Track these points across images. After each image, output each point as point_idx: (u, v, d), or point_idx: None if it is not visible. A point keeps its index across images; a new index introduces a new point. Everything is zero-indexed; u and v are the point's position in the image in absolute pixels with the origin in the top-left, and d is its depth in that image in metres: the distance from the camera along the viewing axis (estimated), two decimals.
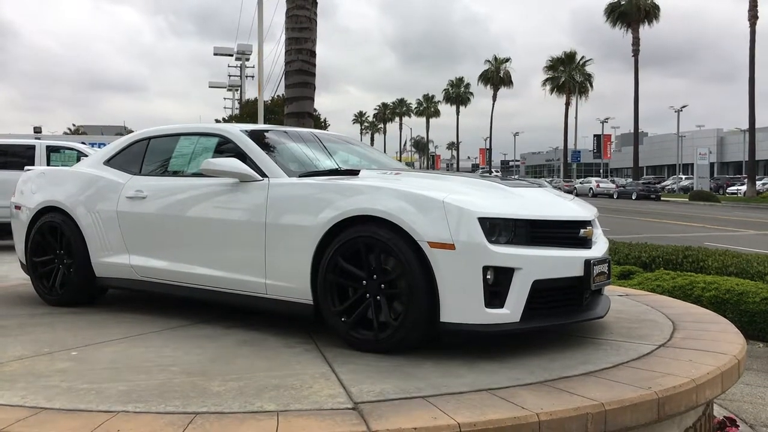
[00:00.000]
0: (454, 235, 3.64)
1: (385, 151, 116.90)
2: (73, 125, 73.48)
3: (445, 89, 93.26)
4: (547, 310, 3.92)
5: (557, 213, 4.03)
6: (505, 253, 3.67)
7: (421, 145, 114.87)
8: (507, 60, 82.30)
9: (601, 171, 79.29)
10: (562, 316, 3.98)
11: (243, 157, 4.55)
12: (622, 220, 27.64)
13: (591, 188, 55.39)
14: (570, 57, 72.30)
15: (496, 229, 3.74)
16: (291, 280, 4.15)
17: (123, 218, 4.96)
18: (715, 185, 59.00)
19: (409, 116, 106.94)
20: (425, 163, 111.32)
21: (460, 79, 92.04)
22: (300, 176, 4.40)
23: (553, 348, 3.98)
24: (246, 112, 28.33)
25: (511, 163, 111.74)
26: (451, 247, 3.64)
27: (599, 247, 4.29)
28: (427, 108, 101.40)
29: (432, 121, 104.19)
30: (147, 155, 5.15)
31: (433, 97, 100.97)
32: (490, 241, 3.68)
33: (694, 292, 8.12)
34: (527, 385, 3.28)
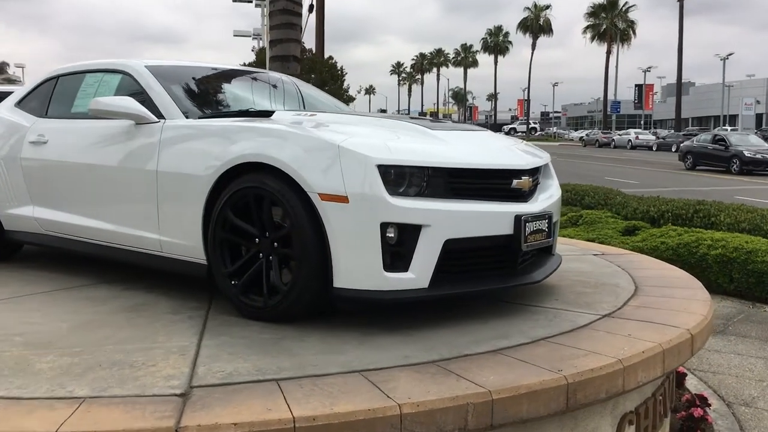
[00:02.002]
0: (347, 185, 3.09)
1: (422, 104, 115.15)
2: None
3: (483, 38, 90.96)
4: (465, 275, 3.37)
5: (483, 161, 3.43)
6: (408, 208, 3.10)
7: (459, 97, 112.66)
8: (547, 7, 79.72)
9: (643, 122, 76.90)
10: (483, 281, 3.41)
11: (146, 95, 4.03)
12: (653, 173, 26.61)
13: (630, 140, 53.73)
14: (612, 3, 69.70)
15: (404, 178, 3.17)
16: (183, 236, 3.65)
17: (25, 165, 4.50)
18: (762, 136, 56.63)
19: (447, 67, 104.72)
20: (463, 114, 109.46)
21: (499, 28, 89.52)
22: (201, 118, 3.86)
23: (476, 317, 3.42)
24: (261, 59, 27.64)
25: (551, 115, 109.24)
26: (344, 199, 3.09)
27: (541, 201, 3.69)
28: (465, 58, 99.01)
29: (470, 71, 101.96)
30: (54, 95, 4.66)
31: (471, 46, 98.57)
32: (394, 193, 3.11)
33: (700, 250, 7.46)
34: (414, 365, 2.74)
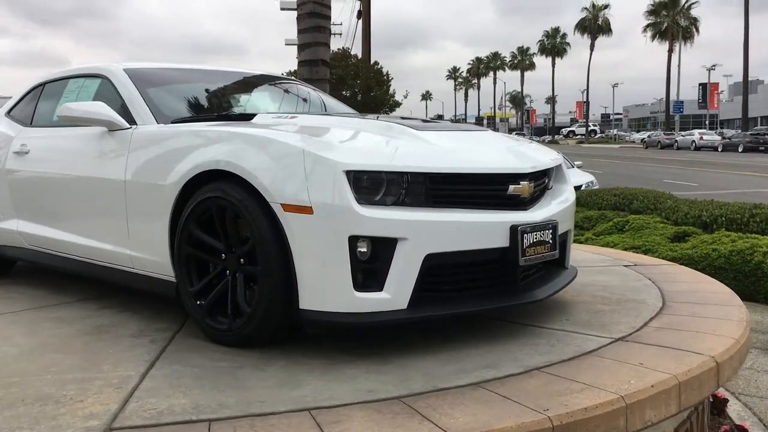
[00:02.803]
0: (312, 194, 2.73)
1: (478, 108, 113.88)
2: None
3: (540, 40, 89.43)
4: (453, 294, 2.97)
5: (473, 164, 3.03)
6: (381, 219, 2.72)
7: (516, 100, 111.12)
8: (606, 6, 77.82)
9: (708, 122, 74.31)
10: (474, 301, 3.00)
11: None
12: (714, 175, 25.47)
13: (693, 141, 51.82)
14: (674, 0, 67.70)
15: (379, 185, 2.80)
16: (151, 251, 3.36)
17: (10, 176, 4.29)
18: None
19: (504, 70, 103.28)
20: (520, 118, 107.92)
21: (556, 29, 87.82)
22: (176, 122, 3.56)
23: (467, 341, 3.03)
24: None
25: (611, 116, 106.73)
26: (308, 210, 2.74)
27: (547, 209, 3.27)
28: (522, 61, 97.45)
29: (527, 74, 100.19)
30: (39, 103, 4.46)
31: (528, 49, 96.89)
32: (369, 202, 2.75)
33: (754, 258, 6.84)
34: (378, 401, 2.37)
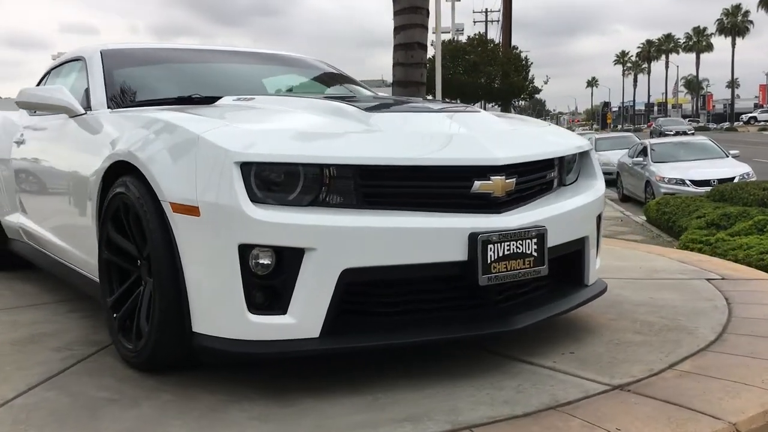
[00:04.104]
0: (200, 191, 2.21)
1: (648, 94, 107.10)
2: None
3: (718, 19, 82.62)
4: (389, 319, 2.33)
5: (422, 154, 2.35)
6: (281, 224, 2.15)
7: (692, 85, 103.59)
8: None
9: None
10: (418, 329, 2.33)
11: None
12: None
13: None
14: None
15: (293, 181, 2.23)
16: (88, 251, 2.98)
17: (12, 167, 4.09)
18: None
19: (677, 53, 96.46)
20: (695, 104, 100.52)
21: (737, 7, 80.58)
22: (130, 106, 3.16)
23: (420, 377, 2.38)
24: (445, 52, 26.66)
25: None
26: (195, 211, 2.21)
27: (533, 212, 2.53)
28: (698, 42, 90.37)
29: (703, 57, 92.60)
30: None
31: (704, 29, 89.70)
32: (274, 202, 2.20)
33: None
34: None
